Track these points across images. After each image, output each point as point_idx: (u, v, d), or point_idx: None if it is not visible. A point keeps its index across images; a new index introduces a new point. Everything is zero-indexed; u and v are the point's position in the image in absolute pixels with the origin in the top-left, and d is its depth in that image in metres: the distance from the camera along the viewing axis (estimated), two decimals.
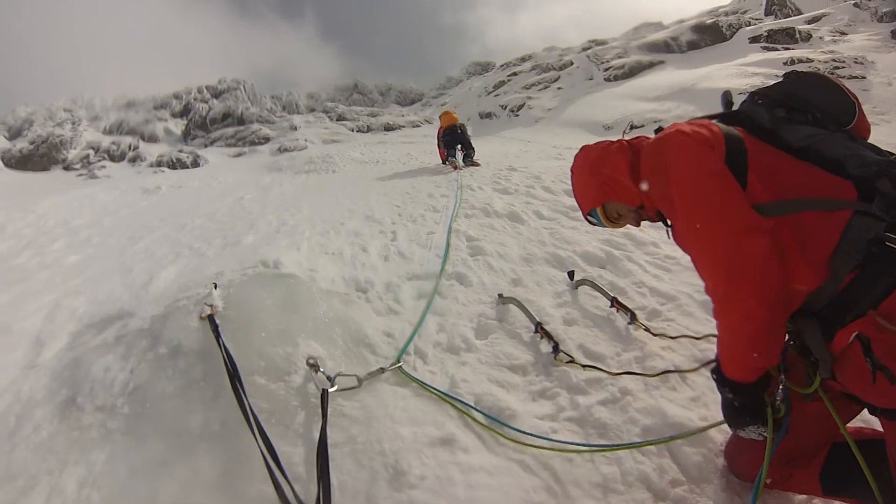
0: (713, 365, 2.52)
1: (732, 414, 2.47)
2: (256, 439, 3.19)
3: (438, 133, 17.99)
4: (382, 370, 4.02)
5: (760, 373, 2.31)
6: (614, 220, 2.97)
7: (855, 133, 2.31)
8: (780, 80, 2.53)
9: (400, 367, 4.13)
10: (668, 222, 2.71)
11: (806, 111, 2.34)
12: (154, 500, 3.01)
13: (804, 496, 2.81)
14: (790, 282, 2.11)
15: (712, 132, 2.32)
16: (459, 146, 16.65)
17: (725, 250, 2.10)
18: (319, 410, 3.44)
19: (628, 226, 3.01)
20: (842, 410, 2.39)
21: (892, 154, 2.18)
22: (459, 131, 17.25)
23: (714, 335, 2.78)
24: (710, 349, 4.02)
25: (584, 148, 3.08)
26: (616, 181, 2.78)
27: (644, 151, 2.61)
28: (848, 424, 2.52)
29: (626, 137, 2.97)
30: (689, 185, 2.26)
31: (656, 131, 2.65)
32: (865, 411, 2.37)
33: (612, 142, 2.92)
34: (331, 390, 3.63)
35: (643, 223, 2.94)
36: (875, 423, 2.43)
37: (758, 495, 2.40)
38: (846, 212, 2.04)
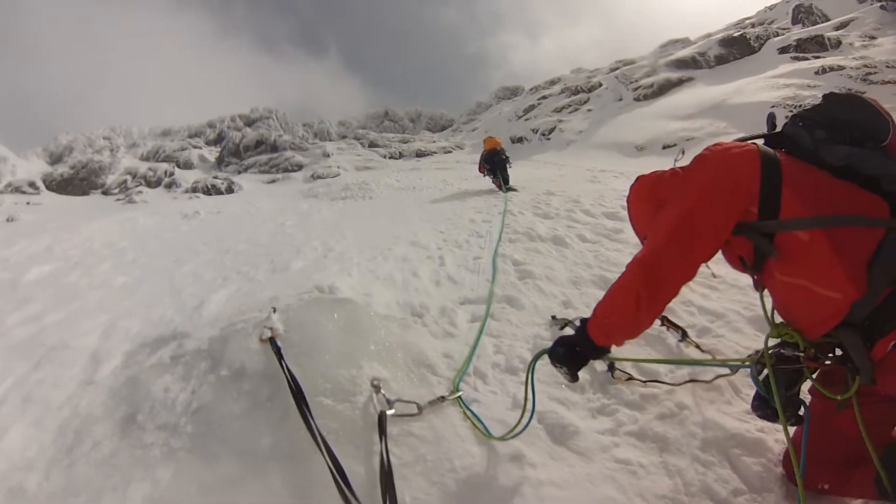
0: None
1: (565, 355, 2.94)
2: (325, 459, 3.27)
3: (482, 155, 18.62)
4: (443, 398, 4.01)
5: (605, 343, 2.81)
6: None
7: (891, 151, 2.37)
8: (820, 102, 2.63)
9: (459, 397, 4.10)
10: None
11: (844, 131, 2.43)
12: None
13: (859, 501, 2.84)
14: (823, 288, 2.27)
15: (747, 157, 2.49)
16: (499, 171, 17.28)
17: (660, 270, 2.53)
18: (389, 430, 3.56)
19: None
20: (889, 414, 2.54)
21: None
22: (502, 157, 17.86)
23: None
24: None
25: (639, 178, 3.26)
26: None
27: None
28: None
29: (679, 165, 3.08)
30: (684, 206, 2.56)
31: None
32: None
33: (666, 170, 3.09)
34: (389, 413, 3.69)
35: None
36: None
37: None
38: (881, 229, 2.18)
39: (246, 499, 3.21)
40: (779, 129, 2.78)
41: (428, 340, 5.09)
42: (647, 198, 3.09)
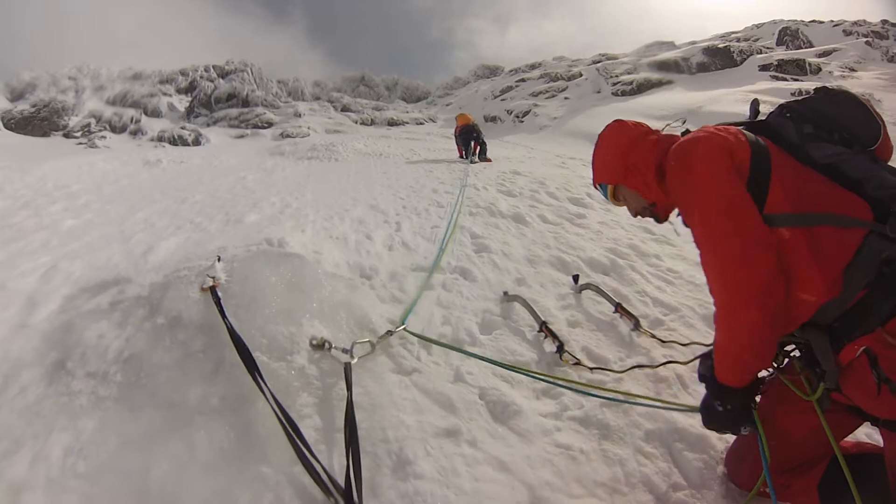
0: (704, 365, 2.56)
1: (714, 417, 2.50)
2: (276, 412, 3.17)
3: (455, 131, 19.72)
4: (390, 332, 4.25)
5: (751, 378, 2.37)
6: (618, 200, 3.05)
7: (877, 155, 2.33)
8: (810, 95, 2.53)
9: (405, 328, 4.41)
10: (669, 219, 2.91)
11: (832, 130, 2.36)
12: (145, 475, 2.92)
13: None
14: (798, 290, 2.15)
15: (739, 140, 2.33)
16: (472, 143, 18.29)
17: (737, 261, 2.14)
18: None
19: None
20: (842, 424, 2.43)
21: None
22: (475, 133, 18.75)
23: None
24: None
25: (619, 121, 3.05)
26: (641, 173, 2.81)
27: (670, 157, 2.52)
28: (848, 438, 2.60)
29: (666, 131, 2.96)
30: (711, 198, 2.26)
31: (683, 133, 2.64)
32: (866, 426, 2.44)
33: (650, 130, 2.93)
34: (353, 362, 3.70)
35: (638, 217, 3.03)
36: (877, 437, 2.45)
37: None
38: (861, 230, 2.08)
39: (165, 455, 3.04)
40: (762, 118, 2.66)
41: (373, 303, 4.98)
42: (619, 151, 2.90)
